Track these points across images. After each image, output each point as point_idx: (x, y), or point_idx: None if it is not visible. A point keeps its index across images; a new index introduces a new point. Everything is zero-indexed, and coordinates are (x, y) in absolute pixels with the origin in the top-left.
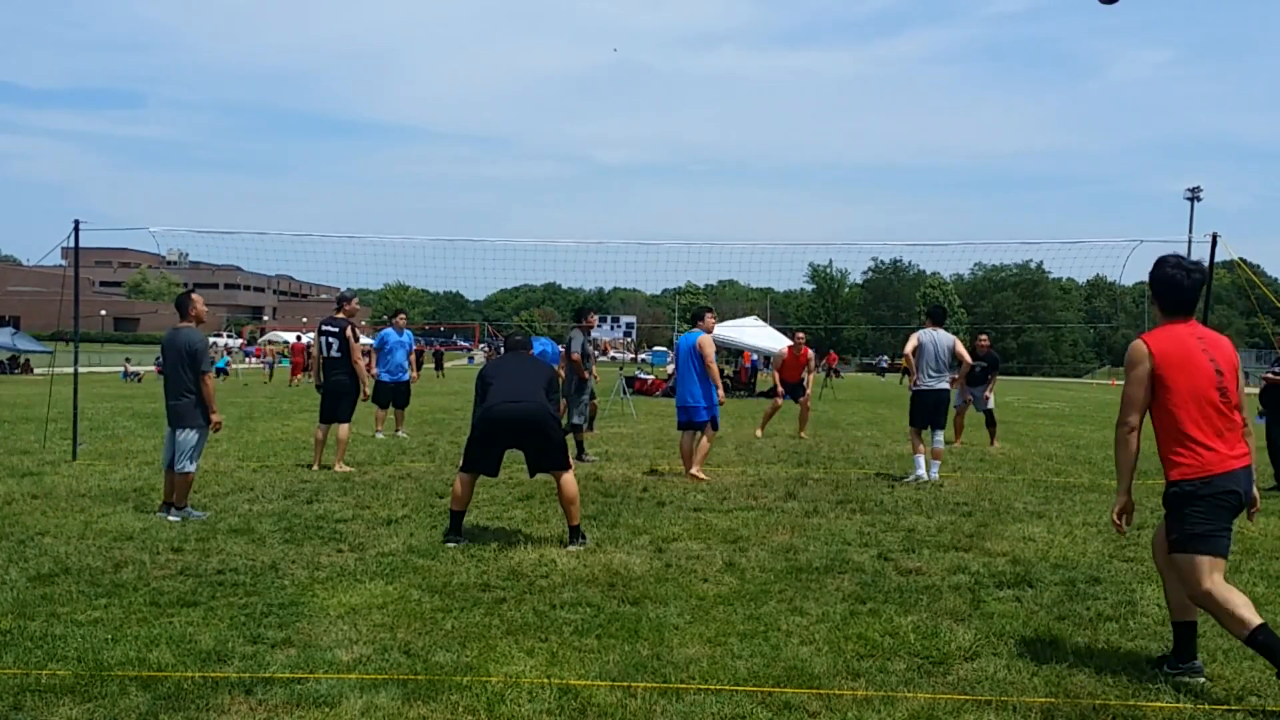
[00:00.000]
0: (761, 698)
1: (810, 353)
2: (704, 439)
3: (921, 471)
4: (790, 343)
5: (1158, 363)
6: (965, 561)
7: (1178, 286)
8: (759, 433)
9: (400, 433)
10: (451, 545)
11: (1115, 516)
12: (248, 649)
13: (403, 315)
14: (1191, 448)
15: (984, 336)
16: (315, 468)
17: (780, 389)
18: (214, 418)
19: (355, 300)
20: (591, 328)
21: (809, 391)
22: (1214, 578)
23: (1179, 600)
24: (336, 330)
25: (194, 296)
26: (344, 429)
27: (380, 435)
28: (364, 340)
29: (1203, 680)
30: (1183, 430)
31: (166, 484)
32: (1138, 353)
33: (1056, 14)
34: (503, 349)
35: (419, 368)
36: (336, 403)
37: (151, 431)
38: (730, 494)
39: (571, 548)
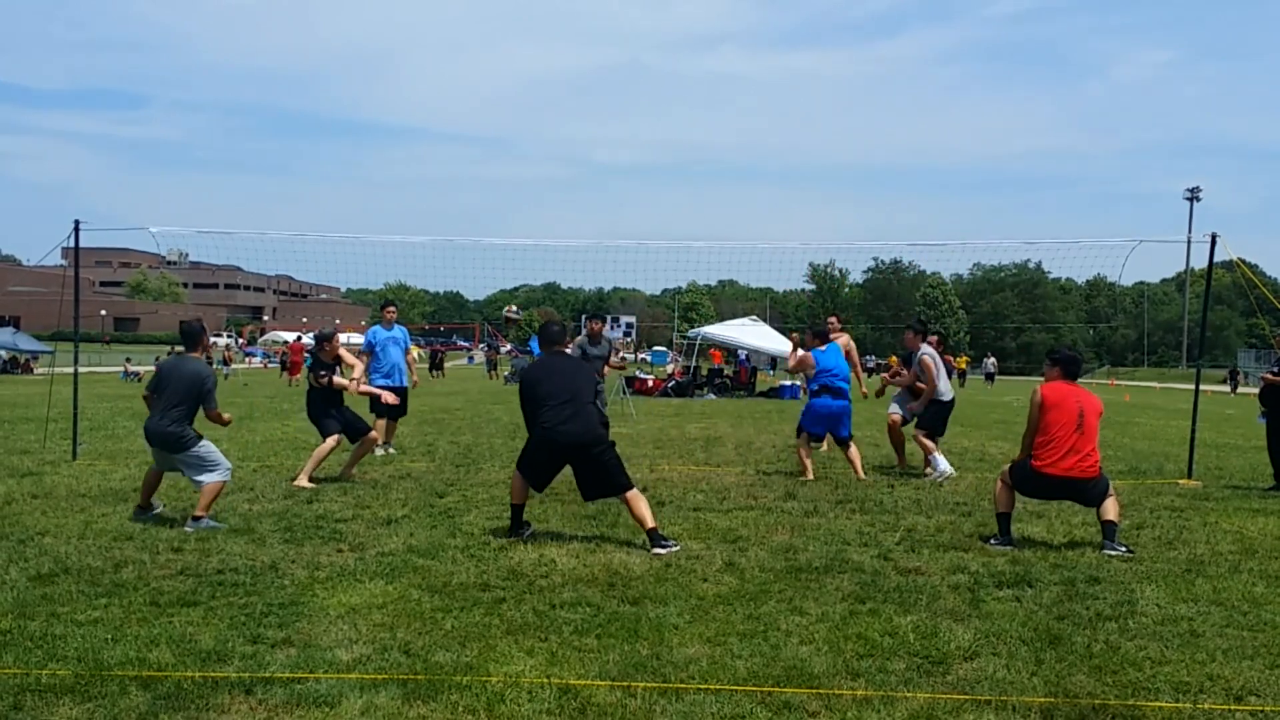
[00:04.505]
0: (761, 697)
1: (852, 344)
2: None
3: (947, 467)
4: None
5: None
6: (965, 561)
7: None
8: (824, 446)
9: (389, 447)
10: (514, 539)
11: None
12: (248, 649)
13: (392, 309)
14: None
15: (919, 325)
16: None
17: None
18: (225, 416)
19: (336, 341)
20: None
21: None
22: None
23: None
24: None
25: (204, 327)
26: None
27: (379, 452)
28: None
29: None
30: None
31: (147, 487)
32: None
33: (1056, 14)
34: (539, 344)
35: (440, 368)
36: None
37: None
38: (730, 494)
39: (658, 550)
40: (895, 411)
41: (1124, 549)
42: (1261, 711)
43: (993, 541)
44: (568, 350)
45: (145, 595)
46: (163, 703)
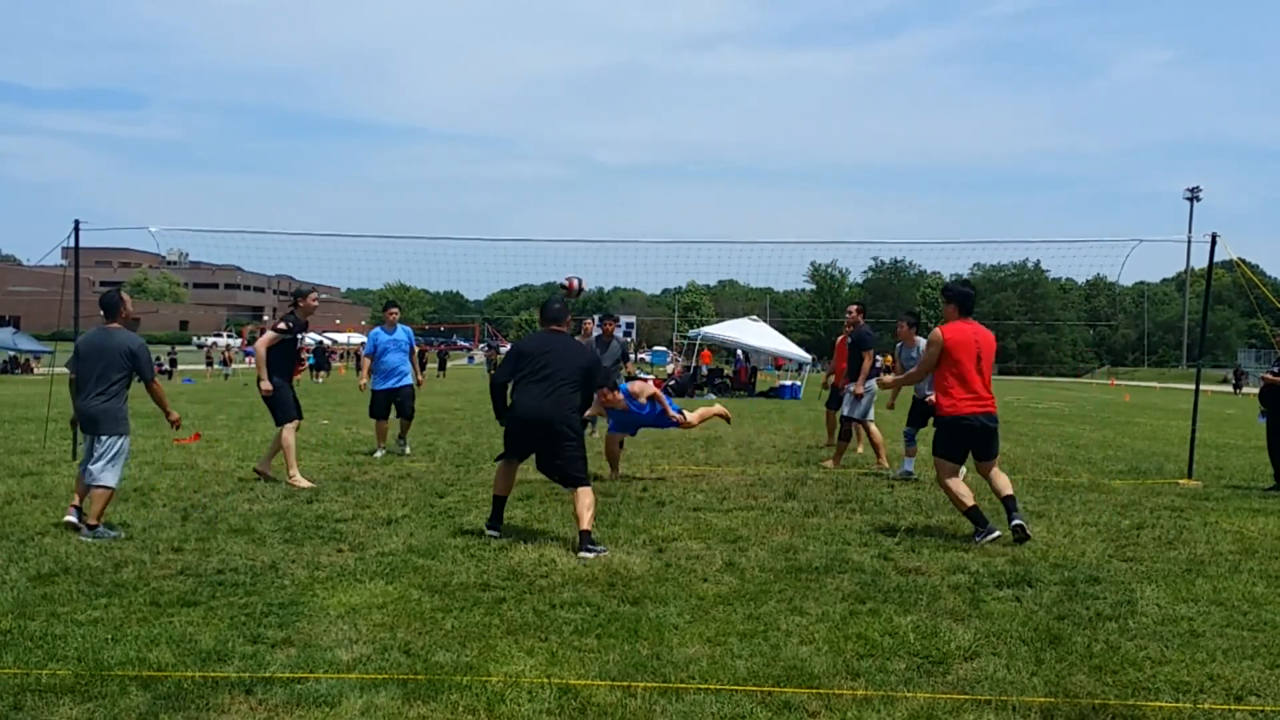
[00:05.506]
0: (761, 697)
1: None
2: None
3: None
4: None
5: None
6: (965, 561)
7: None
8: (829, 463)
9: (405, 447)
10: (491, 534)
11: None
12: (248, 649)
13: (394, 310)
14: None
15: (852, 306)
16: (296, 478)
17: (830, 413)
18: (172, 415)
19: (313, 295)
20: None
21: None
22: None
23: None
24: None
25: (124, 296)
26: (286, 432)
27: (379, 453)
28: (311, 339)
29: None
30: None
31: (81, 492)
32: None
33: (1056, 14)
34: (540, 321)
35: (424, 367)
36: (273, 407)
37: (151, 431)
38: (730, 494)
39: (584, 554)
40: (848, 410)
41: (1024, 520)
42: (1261, 711)
43: (977, 539)
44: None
45: (145, 595)
46: (163, 703)
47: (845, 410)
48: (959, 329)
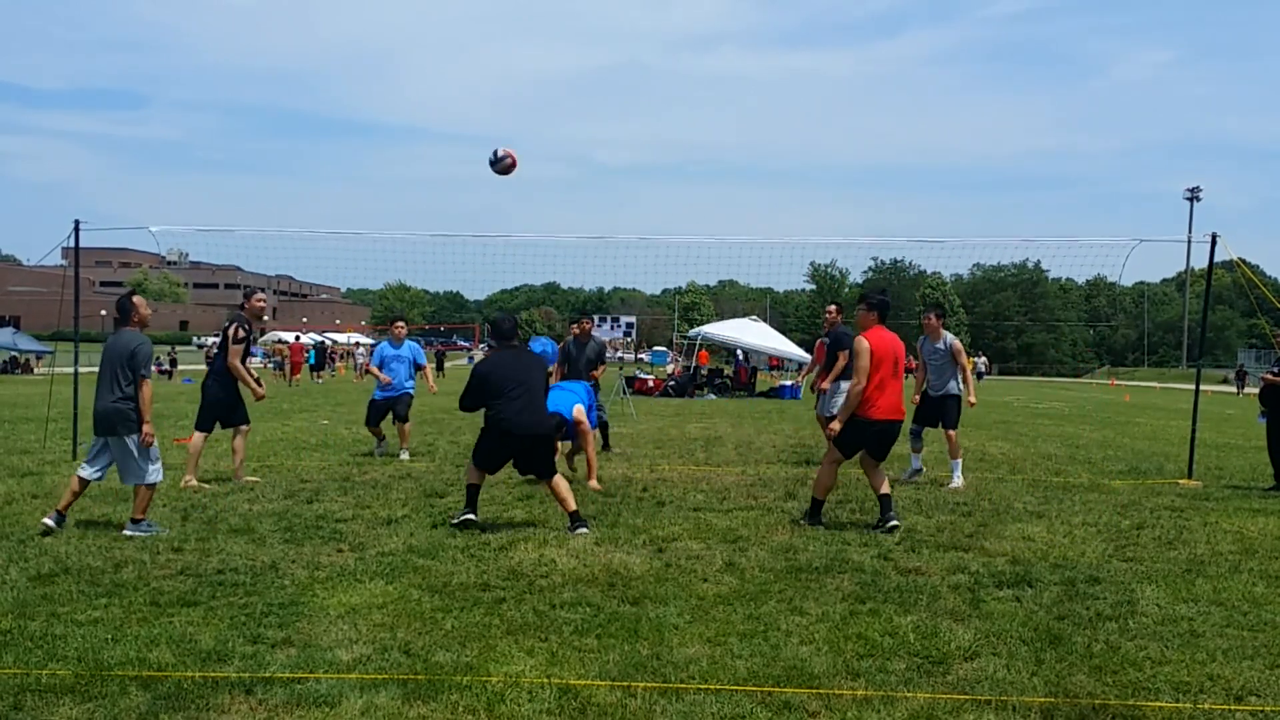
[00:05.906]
0: (761, 697)
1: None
2: None
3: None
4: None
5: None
6: (965, 561)
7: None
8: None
9: (403, 454)
10: (466, 517)
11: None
12: (248, 649)
13: (400, 325)
14: None
15: (831, 306)
16: (190, 481)
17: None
18: (145, 429)
19: (258, 296)
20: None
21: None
22: None
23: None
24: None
25: (135, 300)
26: (196, 438)
27: (379, 452)
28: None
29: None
30: None
31: (72, 491)
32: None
33: (1056, 14)
34: (493, 340)
35: (440, 368)
36: (201, 410)
37: None
38: (730, 494)
39: (580, 530)
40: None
41: (899, 521)
42: (1261, 711)
43: (804, 521)
44: (518, 344)
45: (145, 595)
46: (163, 703)
47: (819, 409)
48: (880, 335)
